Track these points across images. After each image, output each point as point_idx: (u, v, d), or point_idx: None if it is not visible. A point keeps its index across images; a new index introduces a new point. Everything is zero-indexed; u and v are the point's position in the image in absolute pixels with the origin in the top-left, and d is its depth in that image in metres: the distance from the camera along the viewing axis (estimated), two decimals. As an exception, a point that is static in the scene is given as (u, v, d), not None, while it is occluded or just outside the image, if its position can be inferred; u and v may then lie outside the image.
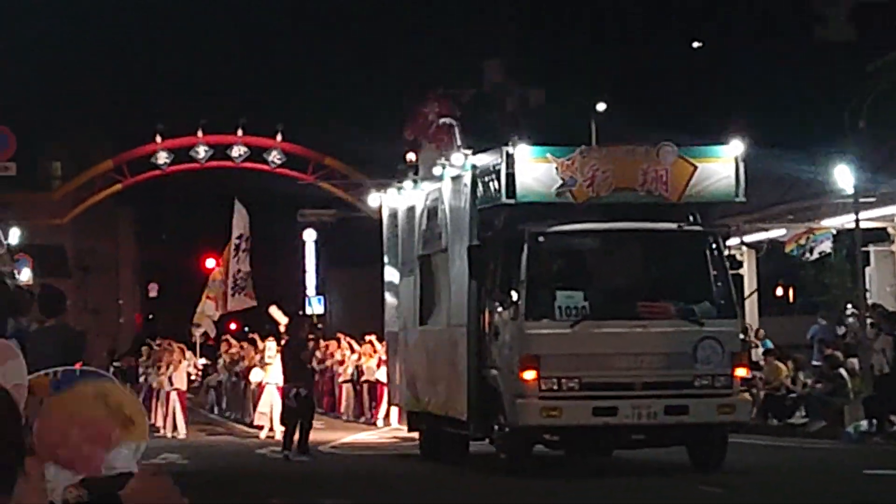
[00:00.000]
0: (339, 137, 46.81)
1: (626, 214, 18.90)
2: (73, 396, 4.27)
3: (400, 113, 39.84)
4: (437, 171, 21.33)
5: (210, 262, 72.81)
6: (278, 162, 47.51)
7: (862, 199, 25.76)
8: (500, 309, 18.92)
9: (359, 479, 20.37)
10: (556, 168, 18.85)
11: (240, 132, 47.39)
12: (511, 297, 18.56)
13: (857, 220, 25.28)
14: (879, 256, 29.12)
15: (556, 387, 17.93)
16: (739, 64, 37.08)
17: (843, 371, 25.62)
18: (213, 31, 49.00)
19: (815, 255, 27.95)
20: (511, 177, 18.70)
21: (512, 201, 18.81)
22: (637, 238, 19.32)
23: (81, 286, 65.12)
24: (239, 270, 33.39)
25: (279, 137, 47.46)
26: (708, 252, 18.95)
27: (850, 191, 25.53)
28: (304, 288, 61.61)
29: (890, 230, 28.16)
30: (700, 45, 41.05)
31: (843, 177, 25.52)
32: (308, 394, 24.25)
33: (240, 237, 33.54)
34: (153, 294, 78.74)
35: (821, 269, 29.41)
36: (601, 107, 26.83)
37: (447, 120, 22.40)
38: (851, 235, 24.98)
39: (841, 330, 27.36)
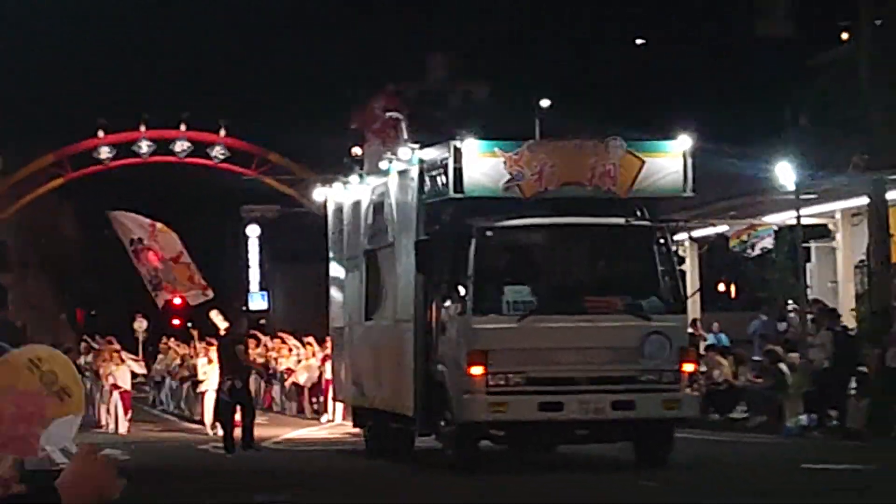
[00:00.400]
0: (283, 133, 46.64)
1: (573, 209, 18.70)
2: (5, 368, 4.12)
3: (343, 107, 39.73)
4: (383, 165, 21.11)
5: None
6: (222, 157, 47.29)
7: (803, 196, 25.86)
8: (447, 304, 18.68)
9: (302, 475, 20.15)
10: (504, 162, 18.65)
11: (183, 127, 47.15)
12: (458, 291, 18.32)
13: (798, 217, 25.37)
14: (820, 253, 29.27)
15: (502, 382, 17.75)
16: (683, 61, 37.22)
17: (783, 366, 25.73)
18: (155, 25, 48.70)
19: (757, 252, 28.05)
20: (459, 171, 18.49)
21: (460, 196, 18.58)
22: (585, 233, 19.20)
23: (22, 282, 64.63)
24: (148, 271, 32.44)
25: (223, 133, 47.26)
26: (656, 247, 18.79)
27: (792, 187, 25.62)
28: (248, 283, 61.39)
29: (830, 226, 28.31)
30: (644, 42, 41.21)
31: (785, 173, 25.60)
32: (243, 387, 24.09)
33: (132, 242, 32.28)
34: (95, 290, 78.27)
35: (762, 265, 29.54)
36: (545, 103, 26.72)
37: (394, 114, 22.10)
38: (793, 232, 25.05)
39: (782, 326, 27.47)
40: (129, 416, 30.85)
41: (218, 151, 47.13)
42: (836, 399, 24.80)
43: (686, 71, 35.73)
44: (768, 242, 27.66)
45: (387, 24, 40.34)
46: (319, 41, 45.77)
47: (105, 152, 46.99)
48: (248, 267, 61.08)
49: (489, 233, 18.41)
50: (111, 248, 72.43)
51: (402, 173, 20.28)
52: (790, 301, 27.66)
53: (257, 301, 59.76)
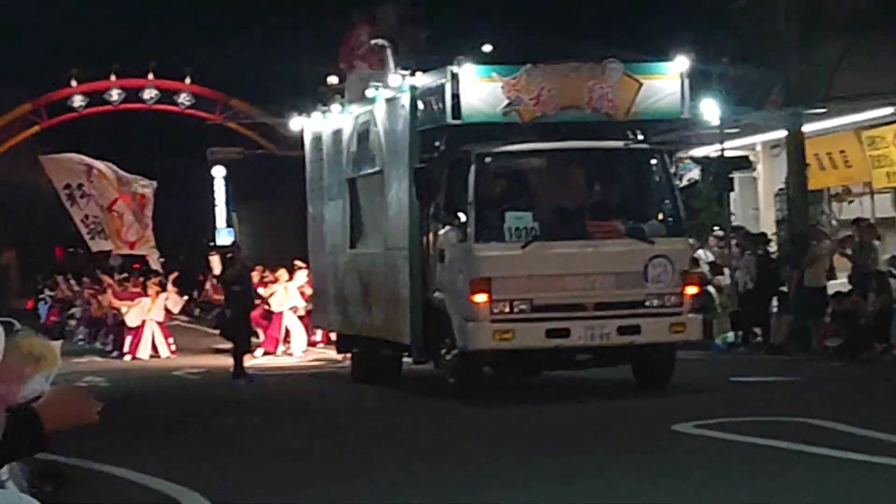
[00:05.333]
0: (247, 77, 46.36)
1: (572, 133, 17.61)
2: None
3: (302, 47, 39.55)
4: (370, 93, 19.79)
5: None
6: (188, 103, 47.25)
7: (726, 130, 26.03)
8: (445, 231, 17.53)
9: (293, 401, 19.69)
10: (502, 87, 17.36)
11: (151, 76, 46.97)
12: (458, 219, 17.13)
13: (721, 150, 25.55)
14: (743, 182, 29.45)
15: (507, 309, 16.66)
16: (610, 3, 37.24)
17: (710, 288, 26.00)
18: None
19: (685, 182, 28.19)
20: (456, 97, 17.20)
21: (458, 122, 17.31)
22: (584, 157, 18.00)
23: (2, 222, 64.14)
24: (86, 216, 31.32)
25: (188, 80, 47.15)
26: (655, 170, 17.83)
27: (716, 122, 25.77)
28: (215, 220, 61.24)
29: (752, 158, 28.47)
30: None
31: (709, 109, 25.73)
32: (234, 315, 23.17)
33: (67, 187, 31.32)
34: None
35: (690, 195, 29.70)
36: (487, 48, 26.56)
37: (380, 41, 20.51)
38: (717, 163, 25.19)
39: (709, 256, 27.65)
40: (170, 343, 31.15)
41: (184, 98, 47.10)
42: (759, 317, 25.13)
43: (613, 15, 35.80)
44: (695, 174, 27.81)
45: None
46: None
47: (78, 100, 46.83)
48: (214, 206, 60.95)
49: (488, 159, 17.34)
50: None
51: (391, 101, 19.03)
52: (716, 228, 27.87)
53: (224, 237, 59.60)
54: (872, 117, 25.66)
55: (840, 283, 24.52)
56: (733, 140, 27.28)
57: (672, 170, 18.05)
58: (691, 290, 17.46)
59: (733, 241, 26.24)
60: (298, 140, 24.67)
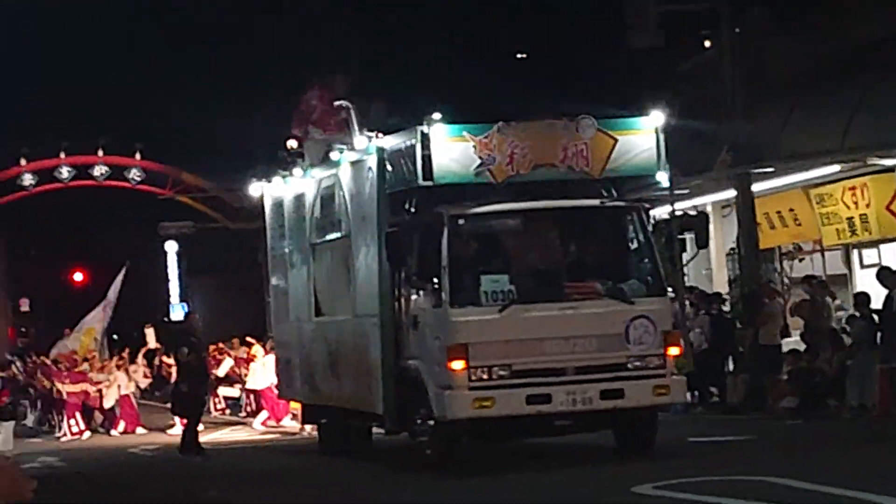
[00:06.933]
0: (197, 151, 46.40)
1: (546, 192, 17.10)
2: None
3: (254, 118, 39.57)
4: (334, 156, 19.31)
5: (78, 276, 71.81)
6: (139, 179, 47.25)
7: (676, 192, 26.13)
8: (418, 296, 16.87)
9: (255, 476, 19.37)
10: (474, 147, 16.80)
11: (101, 152, 46.99)
12: (431, 283, 16.40)
13: (672, 211, 25.62)
14: (694, 244, 29.59)
15: (486, 376, 15.92)
16: (561, 74, 37.50)
17: (666, 348, 26.01)
18: (70, 55, 48.34)
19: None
20: (428, 158, 16.62)
21: (429, 183, 16.68)
22: (560, 216, 17.40)
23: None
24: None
25: (138, 156, 47.21)
26: (632, 227, 17.32)
27: (666, 184, 25.89)
28: (168, 295, 61.05)
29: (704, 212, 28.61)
30: (524, 56, 41.50)
31: (660, 174, 25.82)
32: (188, 391, 22.72)
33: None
34: (24, 308, 77.34)
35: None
36: (437, 116, 26.55)
37: (342, 102, 19.91)
38: (668, 225, 25.29)
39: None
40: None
41: (134, 174, 47.08)
42: (715, 377, 25.20)
43: (565, 84, 36.04)
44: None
45: (290, 47, 40.23)
46: (224, 64, 45.52)
47: (28, 179, 46.70)
48: (167, 280, 60.81)
49: (462, 220, 16.68)
50: (38, 268, 71.45)
51: (357, 163, 18.50)
52: (669, 288, 27.91)
53: (178, 312, 59.40)
54: (820, 175, 25.86)
55: (794, 341, 24.66)
56: (684, 201, 27.43)
57: (650, 227, 17.47)
58: (674, 350, 16.79)
59: (687, 302, 26.32)
60: (251, 212, 24.56)
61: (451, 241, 16.42)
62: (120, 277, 33.16)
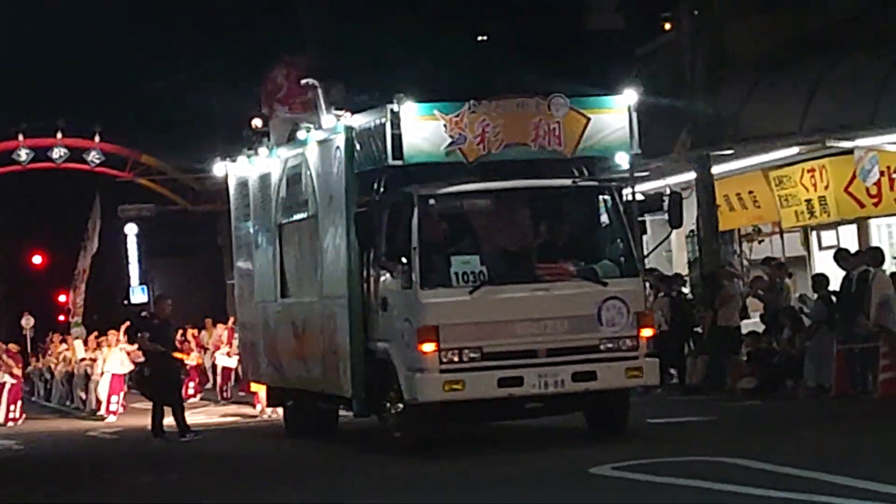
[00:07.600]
0: (157, 132, 46.19)
1: (518, 172, 16.68)
2: None
3: (214, 99, 39.47)
4: (301, 135, 18.95)
5: (37, 259, 71.43)
6: (97, 161, 46.99)
7: (636, 174, 26.15)
8: (387, 278, 16.50)
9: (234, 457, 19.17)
10: (445, 125, 16.42)
11: (59, 135, 46.74)
12: (401, 264, 16.02)
13: (633, 193, 25.65)
14: (655, 225, 29.67)
15: (457, 358, 15.70)
16: (523, 55, 37.49)
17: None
18: (30, 38, 48.03)
19: (599, 226, 28.29)
20: (398, 137, 16.23)
21: (399, 162, 16.30)
22: (532, 196, 17.00)
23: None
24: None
25: (97, 138, 46.96)
26: (605, 207, 16.99)
27: (626, 167, 25.93)
28: (128, 278, 60.79)
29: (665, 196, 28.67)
30: (485, 38, 41.46)
31: (620, 154, 25.88)
32: (151, 374, 22.42)
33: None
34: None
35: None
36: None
37: (310, 81, 19.54)
38: (629, 207, 25.33)
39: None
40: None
41: (93, 156, 46.82)
42: (675, 359, 25.27)
43: (525, 65, 36.05)
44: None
45: (251, 30, 40.06)
46: (184, 47, 45.30)
47: (-15, 162, 46.42)
48: (127, 263, 60.53)
49: (432, 200, 16.33)
50: (-4, 251, 71.11)
51: (324, 142, 18.15)
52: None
53: (138, 295, 59.17)
54: (780, 157, 25.94)
55: (753, 322, 24.78)
56: (644, 183, 27.48)
57: (622, 207, 17.05)
58: (647, 332, 16.47)
59: (647, 283, 26.36)
60: (211, 195, 24.43)
61: (422, 222, 16.13)
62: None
